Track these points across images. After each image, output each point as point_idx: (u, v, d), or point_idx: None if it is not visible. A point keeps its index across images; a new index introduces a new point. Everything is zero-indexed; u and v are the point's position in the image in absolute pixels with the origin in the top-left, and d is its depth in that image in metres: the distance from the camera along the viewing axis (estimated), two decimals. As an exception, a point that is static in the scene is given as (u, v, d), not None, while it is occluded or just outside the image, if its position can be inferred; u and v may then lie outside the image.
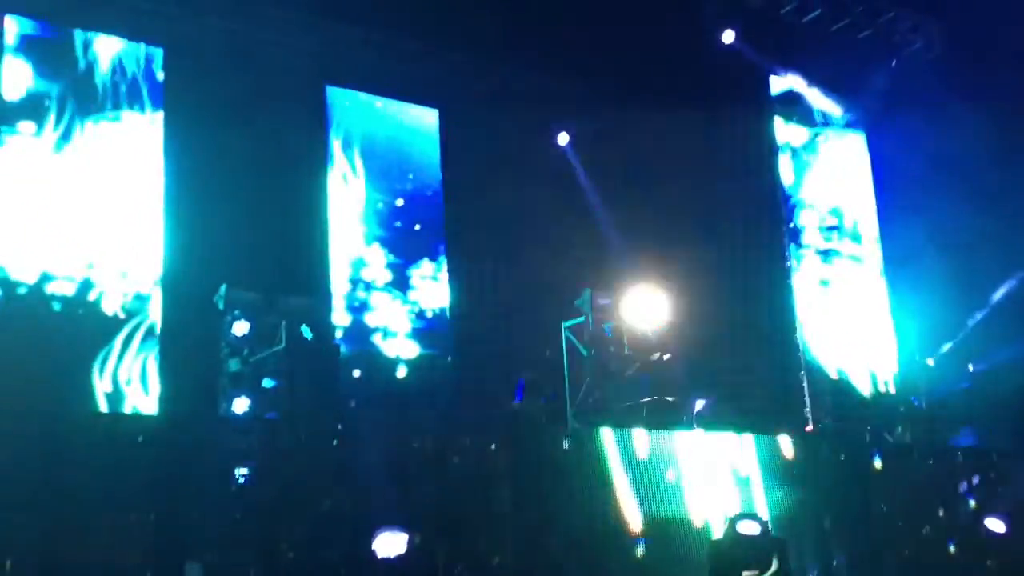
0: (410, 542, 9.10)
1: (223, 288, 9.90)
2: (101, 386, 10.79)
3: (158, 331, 11.24)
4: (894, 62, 15.64)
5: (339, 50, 12.85)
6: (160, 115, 11.81)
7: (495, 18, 12.91)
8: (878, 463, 11.67)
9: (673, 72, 14.14)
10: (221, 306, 9.98)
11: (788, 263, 15.18)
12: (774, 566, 9.30)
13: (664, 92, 14.12)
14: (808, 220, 15.96)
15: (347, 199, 13.37)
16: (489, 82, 13.25)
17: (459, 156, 13.86)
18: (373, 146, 13.67)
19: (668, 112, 14.00)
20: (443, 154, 13.91)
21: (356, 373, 12.59)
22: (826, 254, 15.95)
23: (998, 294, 14.85)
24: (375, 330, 13.05)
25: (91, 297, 10.99)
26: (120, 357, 10.94)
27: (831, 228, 16.17)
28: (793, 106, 16.13)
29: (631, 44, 13.70)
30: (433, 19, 12.70)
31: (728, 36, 14.79)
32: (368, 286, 13.18)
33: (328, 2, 12.46)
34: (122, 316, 11.09)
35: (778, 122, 15.99)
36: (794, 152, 16.21)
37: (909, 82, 15.43)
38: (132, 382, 10.92)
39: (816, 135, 16.48)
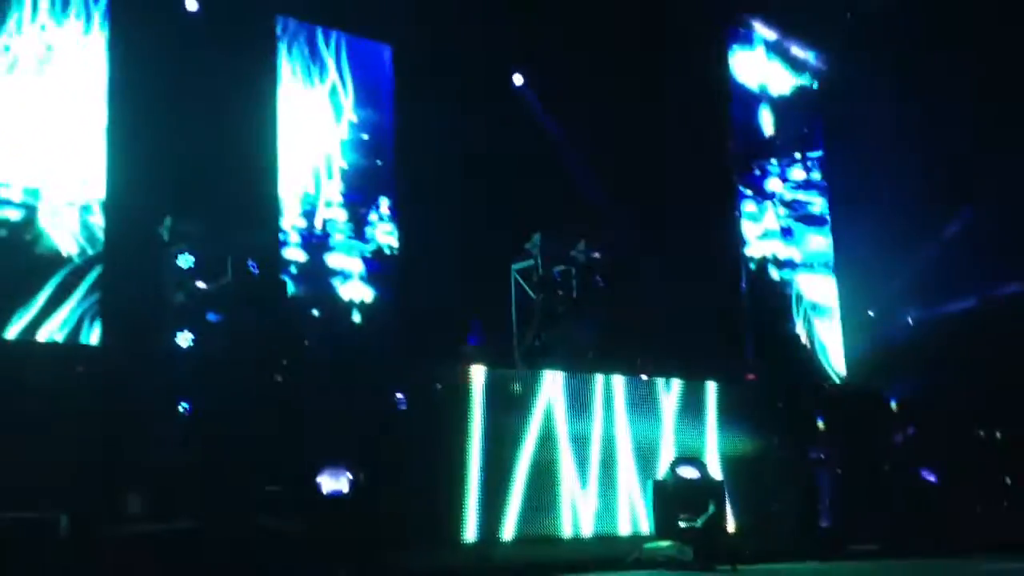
0: (353, 481, 9.09)
1: (168, 219, 9.71)
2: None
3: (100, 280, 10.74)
4: (849, 15, 15.69)
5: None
6: (104, 35, 11.38)
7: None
8: (820, 424, 11.91)
9: (633, 14, 14.03)
10: (166, 237, 9.80)
11: (737, 212, 15.23)
12: (710, 509, 9.50)
13: (623, 34, 14.01)
14: (776, 170, 16.04)
15: (329, 120, 13.14)
16: (443, 19, 13.03)
17: (411, 94, 13.65)
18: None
19: (627, 54, 13.92)
20: (395, 91, 13.68)
21: (315, 312, 12.47)
22: (791, 205, 16.05)
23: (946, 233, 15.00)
24: (332, 269, 12.88)
25: (30, 233, 10.51)
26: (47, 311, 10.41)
27: (798, 181, 16.27)
28: (757, 51, 16.18)
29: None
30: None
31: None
32: (327, 223, 12.99)
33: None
34: (63, 255, 10.68)
35: (750, 67, 15.99)
36: (772, 102, 16.23)
37: (865, 34, 15.51)
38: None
39: (796, 86, 16.53)
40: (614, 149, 14.24)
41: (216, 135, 11.60)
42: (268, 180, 12.48)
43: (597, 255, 11.95)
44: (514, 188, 13.40)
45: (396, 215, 13.49)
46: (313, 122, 13.11)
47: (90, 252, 10.82)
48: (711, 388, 10.97)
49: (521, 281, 12.24)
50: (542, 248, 11.97)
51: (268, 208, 12.34)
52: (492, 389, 9.53)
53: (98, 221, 10.93)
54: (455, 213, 13.18)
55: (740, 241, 15.11)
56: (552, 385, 9.98)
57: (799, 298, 15.54)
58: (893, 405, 12.32)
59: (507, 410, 9.61)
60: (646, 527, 9.90)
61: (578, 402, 10.10)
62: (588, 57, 13.98)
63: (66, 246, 10.68)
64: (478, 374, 9.54)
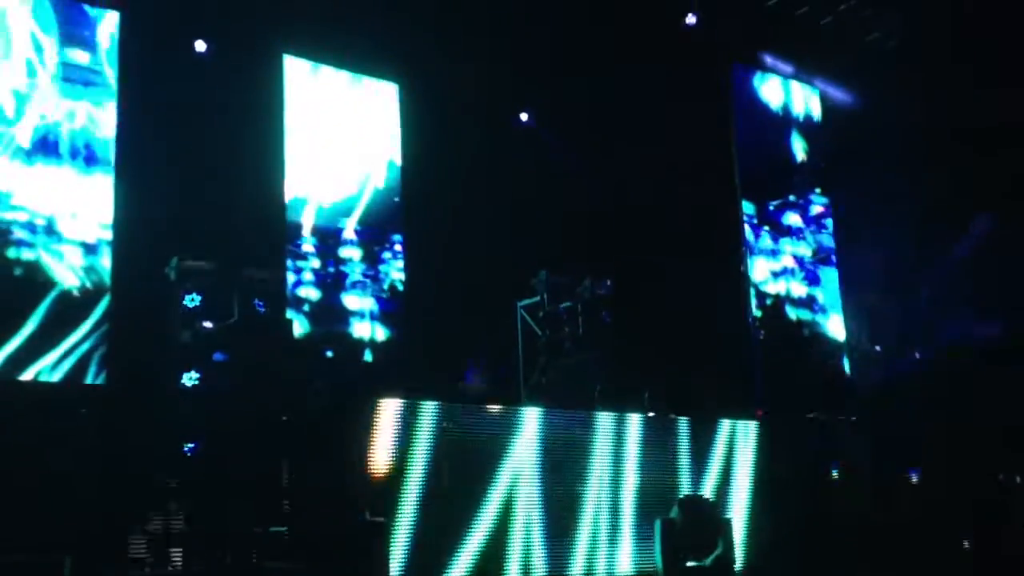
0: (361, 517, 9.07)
1: (174, 260, 9.75)
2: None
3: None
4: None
5: (297, 19, 12.69)
6: (112, 73, 11.48)
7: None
8: (835, 473, 11.82)
9: (637, 56, 14.09)
10: (172, 277, 9.83)
11: (745, 246, 15.10)
12: (718, 548, 9.44)
13: (628, 76, 14.07)
14: (794, 206, 15.89)
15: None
16: (449, 56, 13.14)
17: (417, 131, 13.72)
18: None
19: (634, 84, 13.96)
20: (402, 129, 13.75)
21: (328, 353, 12.46)
22: (810, 241, 15.86)
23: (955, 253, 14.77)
24: (347, 309, 12.86)
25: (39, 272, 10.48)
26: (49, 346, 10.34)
27: (816, 218, 16.08)
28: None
29: (593, 19, 13.66)
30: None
31: (690, 18, 14.80)
32: (343, 262, 13.00)
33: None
34: (68, 293, 10.61)
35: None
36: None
37: (865, 68, 15.53)
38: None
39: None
40: (621, 181, 14.26)
41: (224, 175, 11.68)
42: (276, 218, 12.54)
43: (603, 291, 11.96)
44: (520, 225, 13.43)
45: (405, 252, 13.50)
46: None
47: (93, 291, 10.80)
48: (717, 426, 10.91)
49: (527, 318, 12.26)
50: (548, 285, 11.99)
51: (276, 247, 12.36)
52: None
53: (105, 262, 10.94)
54: (461, 250, 13.20)
55: (747, 275, 14.96)
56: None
57: (817, 334, 15.30)
58: (914, 478, 12.24)
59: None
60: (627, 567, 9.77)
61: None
62: (593, 89, 14.06)
63: (70, 284, 10.70)
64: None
